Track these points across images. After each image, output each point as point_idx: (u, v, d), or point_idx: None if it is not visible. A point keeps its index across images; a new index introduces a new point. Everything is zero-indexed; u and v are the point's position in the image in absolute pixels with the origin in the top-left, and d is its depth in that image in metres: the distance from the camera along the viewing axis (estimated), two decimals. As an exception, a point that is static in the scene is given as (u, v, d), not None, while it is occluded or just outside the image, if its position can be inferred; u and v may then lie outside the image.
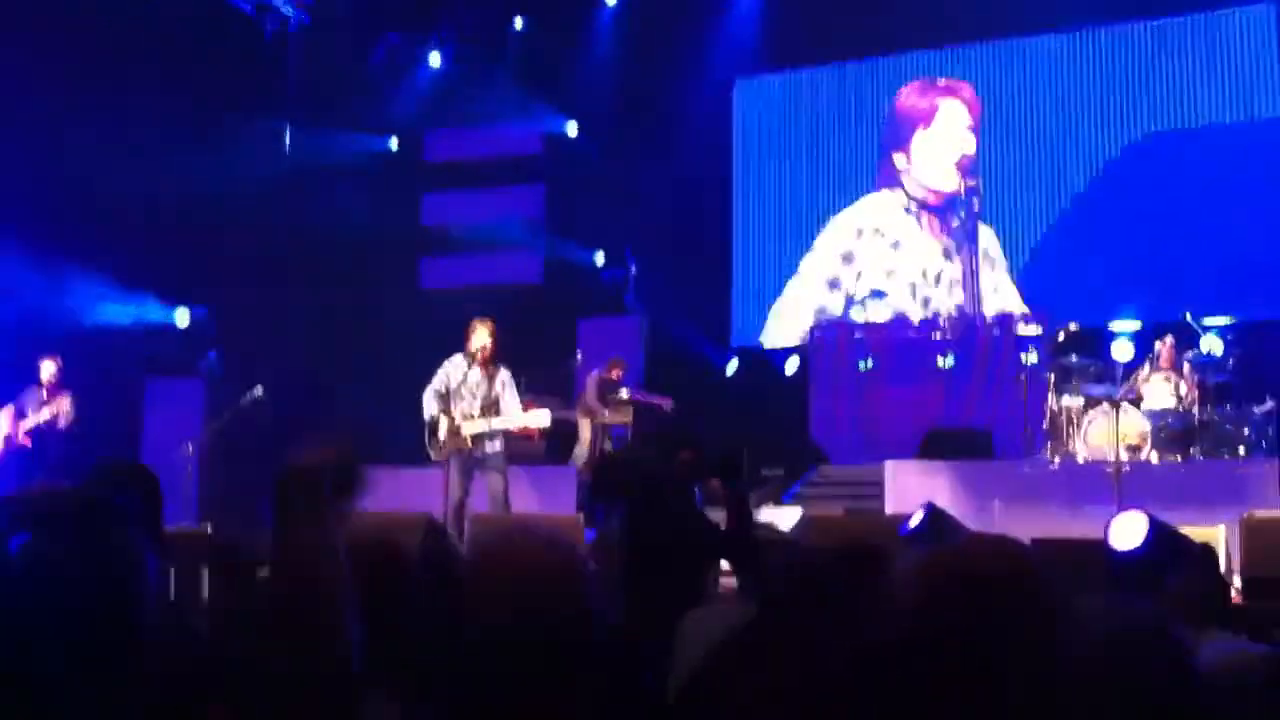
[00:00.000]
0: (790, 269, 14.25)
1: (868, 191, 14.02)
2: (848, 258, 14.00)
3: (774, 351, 14.06)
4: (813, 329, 13.47)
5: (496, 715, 1.74)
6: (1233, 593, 5.90)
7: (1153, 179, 12.47)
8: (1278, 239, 11.61)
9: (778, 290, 14.31)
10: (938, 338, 12.44)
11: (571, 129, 15.14)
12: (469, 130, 15.22)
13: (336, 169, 14.42)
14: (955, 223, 13.39)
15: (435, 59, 15.20)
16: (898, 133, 13.94)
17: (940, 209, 13.60)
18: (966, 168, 13.38)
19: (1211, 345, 10.30)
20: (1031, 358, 10.84)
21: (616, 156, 14.17)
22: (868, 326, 13.26)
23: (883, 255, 13.79)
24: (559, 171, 15.01)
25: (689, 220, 14.26)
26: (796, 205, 14.32)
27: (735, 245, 14.64)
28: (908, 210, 13.78)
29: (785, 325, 14.15)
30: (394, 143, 15.79)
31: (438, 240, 15.57)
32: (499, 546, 1.89)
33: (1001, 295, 13.10)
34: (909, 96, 13.93)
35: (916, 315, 13.22)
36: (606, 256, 14.71)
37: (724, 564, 5.37)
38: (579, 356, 12.43)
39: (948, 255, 13.46)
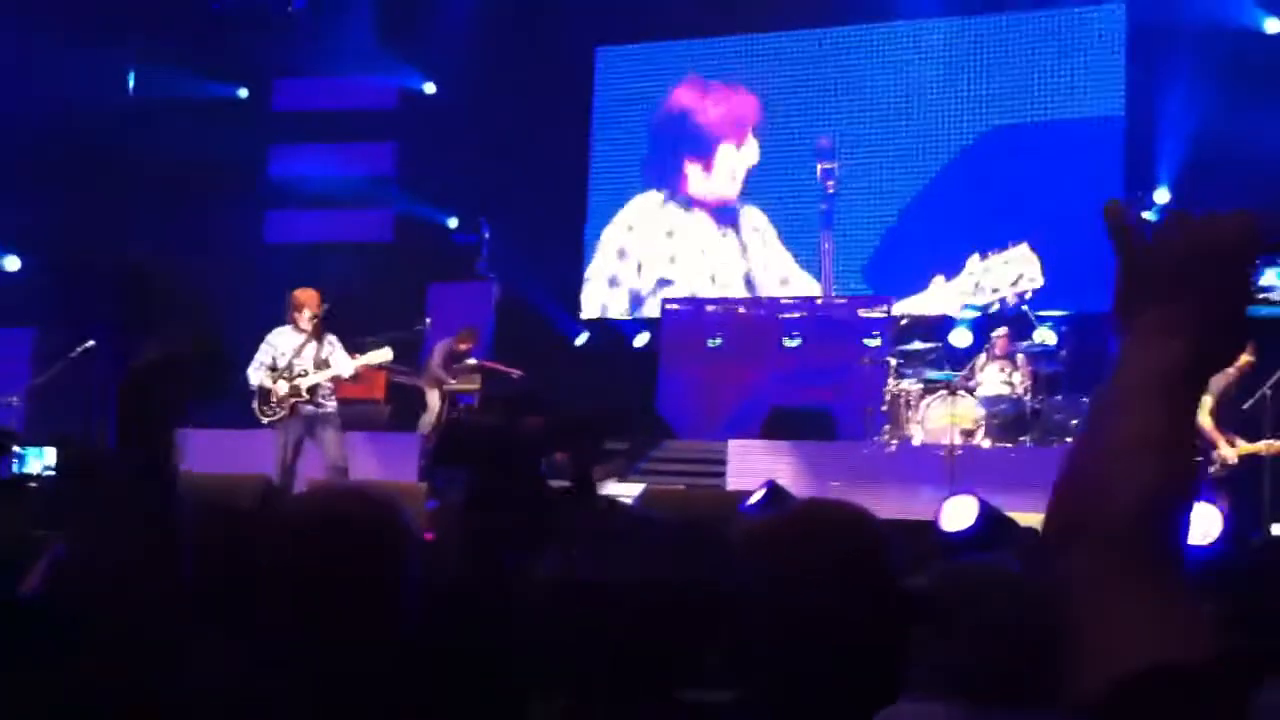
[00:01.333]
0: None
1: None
2: (622, 253, 14.27)
3: (624, 323, 14.06)
4: (665, 304, 13.49)
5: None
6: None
7: (993, 172, 12.77)
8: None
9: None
10: (785, 318, 12.59)
11: (429, 87, 14.80)
12: (322, 81, 14.77)
13: (181, 110, 13.84)
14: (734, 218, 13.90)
15: (290, 3, 14.68)
16: (696, 142, 14.13)
17: (718, 208, 14.01)
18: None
19: (1045, 336, 10.66)
20: (875, 341, 11.05)
21: (474, 118, 13.92)
22: (719, 302, 13.35)
23: (660, 250, 14.13)
24: (414, 129, 14.68)
25: (545, 188, 14.10)
26: (649, 178, 14.31)
27: (590, 216, 14.57)
28: (687, 209, 14.13)
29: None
30: (243, 91, 15.24)
31: (284, 193, 15.09)
32: (317, 502, 1.93)
33: (778, 274, 13.53)
34: (714, 110, 14.06)
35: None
36: (460, 220, 14.47)
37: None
38: (428, 322, 12.18)
39: (727, 248, 13.93)
